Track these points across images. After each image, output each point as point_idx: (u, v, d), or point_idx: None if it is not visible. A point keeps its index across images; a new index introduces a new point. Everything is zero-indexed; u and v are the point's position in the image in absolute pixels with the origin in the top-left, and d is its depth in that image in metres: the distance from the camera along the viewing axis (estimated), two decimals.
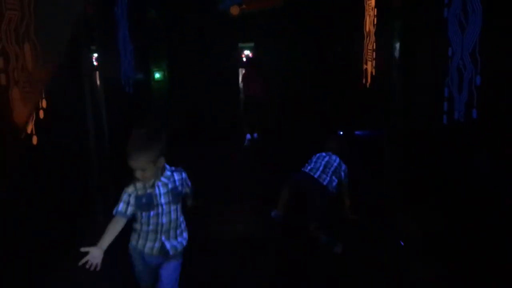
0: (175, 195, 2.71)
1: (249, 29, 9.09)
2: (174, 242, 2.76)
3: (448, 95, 3.59)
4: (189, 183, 2.85)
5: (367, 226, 4.52)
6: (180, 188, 2.74)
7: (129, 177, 2.61)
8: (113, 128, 5.05)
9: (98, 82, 5.02)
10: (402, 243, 4.15)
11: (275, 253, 4.09)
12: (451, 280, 3.42)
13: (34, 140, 3.44)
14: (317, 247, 4.12)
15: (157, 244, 2.72)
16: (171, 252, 2.75)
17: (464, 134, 3.46)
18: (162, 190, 2.67)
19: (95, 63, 5.11)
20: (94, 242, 2.54)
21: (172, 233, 2.74)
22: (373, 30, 6.28)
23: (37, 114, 3.51)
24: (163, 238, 2.71)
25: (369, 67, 6.60)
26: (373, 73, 6.42)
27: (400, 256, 3.96)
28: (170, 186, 2.69)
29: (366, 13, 6.71)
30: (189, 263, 2.96)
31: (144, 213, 2.66)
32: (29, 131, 3.38)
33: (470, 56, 3.15)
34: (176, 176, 2.74)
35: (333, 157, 4.73)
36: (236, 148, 8.04)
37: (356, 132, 7.45)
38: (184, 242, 2.83)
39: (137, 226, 2.74)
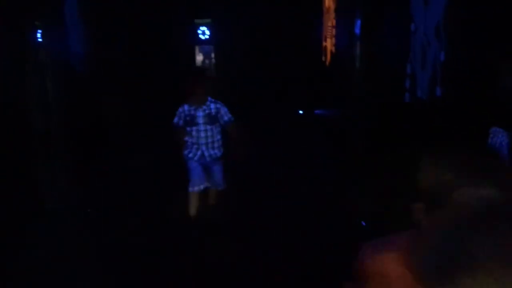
0: (210, 118, 3.75)
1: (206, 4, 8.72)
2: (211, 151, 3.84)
3: (411, 72, 3.52)
4: (228, 115, 3.81)
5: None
6: (213, 113, 3.75)
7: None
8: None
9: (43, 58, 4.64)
10: (364, 224, 4.11)
11: None
12: None
13: None
14: None
15: (199, 152, 3.83)
16: (207, 159, 3.84)
17: (427, 112, 3.40)
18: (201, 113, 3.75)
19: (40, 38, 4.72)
20: None
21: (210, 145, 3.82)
22: (333, 6, 6.16)
23: None
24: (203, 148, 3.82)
25: (329, 44, 6.50)
26: (333, 51, 6.33)
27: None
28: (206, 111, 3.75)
29: None
30: None
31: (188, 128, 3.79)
32: None
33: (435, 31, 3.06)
34: (212, 105, 3.77)
35: None
36: None
37: (316, 111, 7.39)
38: (219, 153, 3.89)
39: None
